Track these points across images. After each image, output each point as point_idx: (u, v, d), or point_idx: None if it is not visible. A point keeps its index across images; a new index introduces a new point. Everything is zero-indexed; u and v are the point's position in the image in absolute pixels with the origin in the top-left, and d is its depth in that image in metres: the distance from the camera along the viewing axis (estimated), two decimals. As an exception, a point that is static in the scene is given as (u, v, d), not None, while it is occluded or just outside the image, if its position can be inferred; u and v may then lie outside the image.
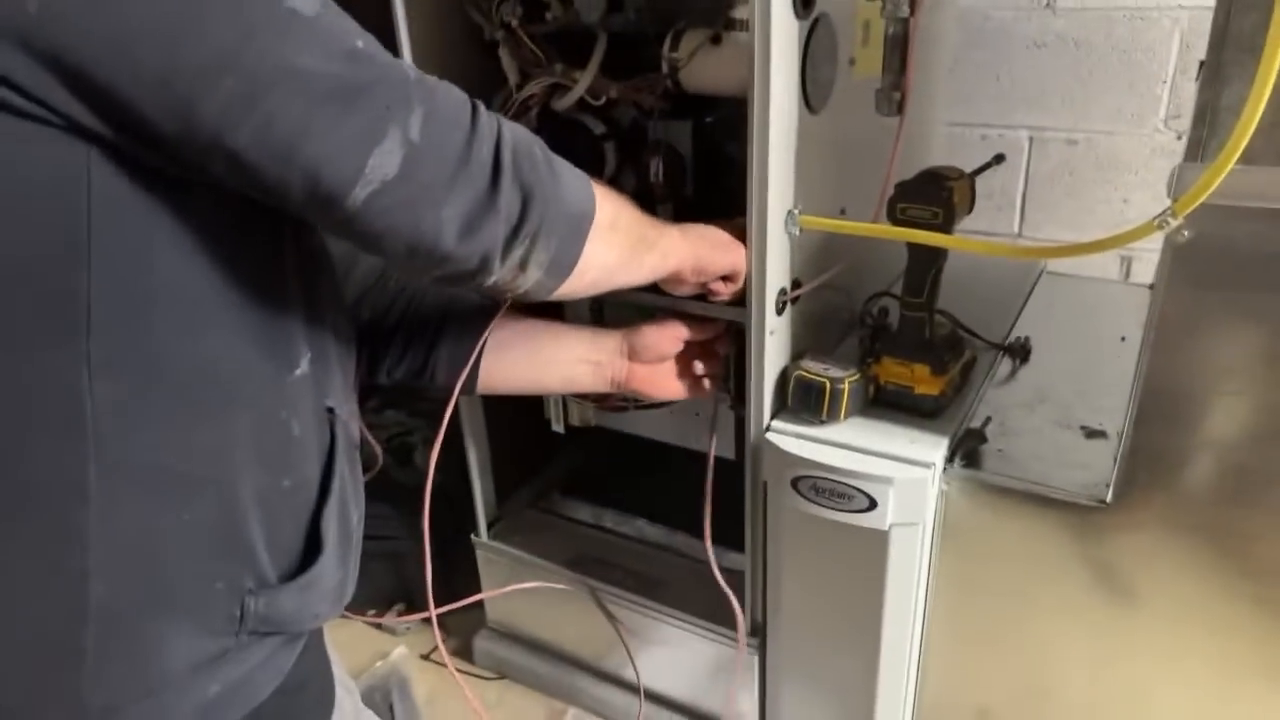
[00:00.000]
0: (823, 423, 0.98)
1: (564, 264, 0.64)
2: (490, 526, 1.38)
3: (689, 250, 0.83)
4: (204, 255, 0.53)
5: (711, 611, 1.20)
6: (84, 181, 0.48)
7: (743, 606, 1.15)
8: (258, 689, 0.62)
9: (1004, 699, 1.09)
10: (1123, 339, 1.19)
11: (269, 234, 0.58)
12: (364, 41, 0.53)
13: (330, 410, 0.67)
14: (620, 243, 0.71)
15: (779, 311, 0.94)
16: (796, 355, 1.02)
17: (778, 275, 0.92)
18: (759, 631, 1.16)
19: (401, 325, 0.89)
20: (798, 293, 0.97)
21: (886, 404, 1.00)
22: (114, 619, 0.54)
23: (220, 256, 0.54)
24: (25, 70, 0.44)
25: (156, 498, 0.55)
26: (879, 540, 0.96)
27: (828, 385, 0.95)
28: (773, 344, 0.95)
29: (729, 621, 1.17)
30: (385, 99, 0.52)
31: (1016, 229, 1.68)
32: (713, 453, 1.11)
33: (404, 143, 0.52)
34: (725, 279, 0.91)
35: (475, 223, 0.56)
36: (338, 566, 0.67)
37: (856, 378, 0.96)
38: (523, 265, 0.61)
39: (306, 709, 0.69)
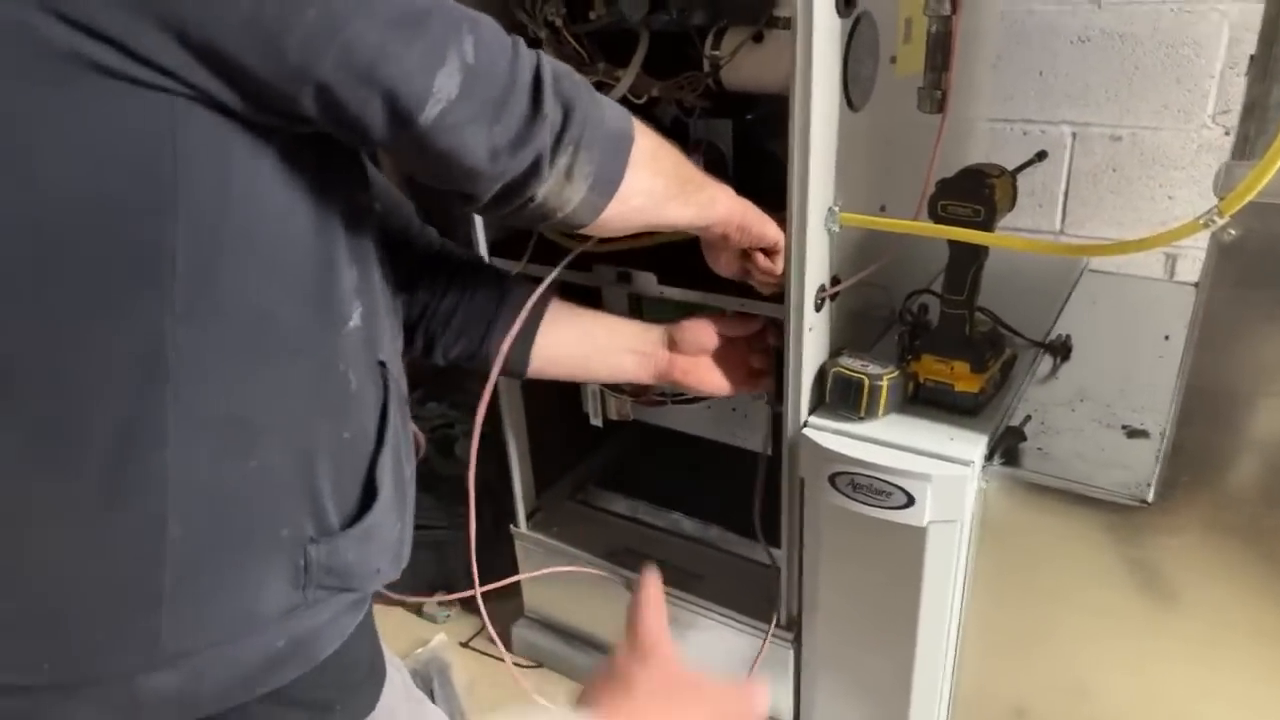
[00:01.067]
0: (861, 419, 0.98)
1: (608, 179, 0.68)
2: (529, 517, 1.40)
3: (736, 204, 0.85)
4: (271, 208, 0.57)
5: (747, 604, 1.21)
6: (170, 136, 0.51)
7: (779, 600, 1.16)
8: (319, 648, 0.64)
9: (1041, 698, 1.09)
10: (1166, 338, 1.18)
11: (326, 190, 0.60)
12: None
13: (382, 364, 0.69)
14: (665, 172, 0.74)
15: (817, 308, 0.95)
16: (835, 352, 1.02)
17: (817, 272, 0.93)
18: (794, 625, 1.17)
19: (458, 307, 0.92)
20: (836, 289, 0.97)
21: (925, 401, 1.00)
22: (190, 562, 0.56)
23: (284, 210, 0.58)
24: (133, 31, 0.47)
25: (227, 443, 0.57)
26: (916, 537, 0.96)
27: (866, 382, 0.95)
28: (811, 340, 0.96)
29: (764, 615, 1.18)
30: (443, 25, 0.57)
31: (1059, 226, 1.66)
32: (766, 449, 1.12)
33: (462, 66, 0.57)
34: (766, 253, 0.91)
35: (525, 132, 0.61)
36: (394, 517, 0.69)
37: (895, 375, 0.97)
38: (569, 174, 0.65)
39: (360, 679, 0.71)
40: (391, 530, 0.69)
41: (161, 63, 0.49)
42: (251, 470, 0.59)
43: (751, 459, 1.19)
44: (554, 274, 0.96)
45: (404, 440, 0.72)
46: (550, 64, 0.63)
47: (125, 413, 0.53)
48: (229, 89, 0.52)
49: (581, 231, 0.72)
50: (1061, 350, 1.15)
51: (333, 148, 0.60)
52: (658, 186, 0.74)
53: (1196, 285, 1.27)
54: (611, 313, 1.17)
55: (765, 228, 0.88)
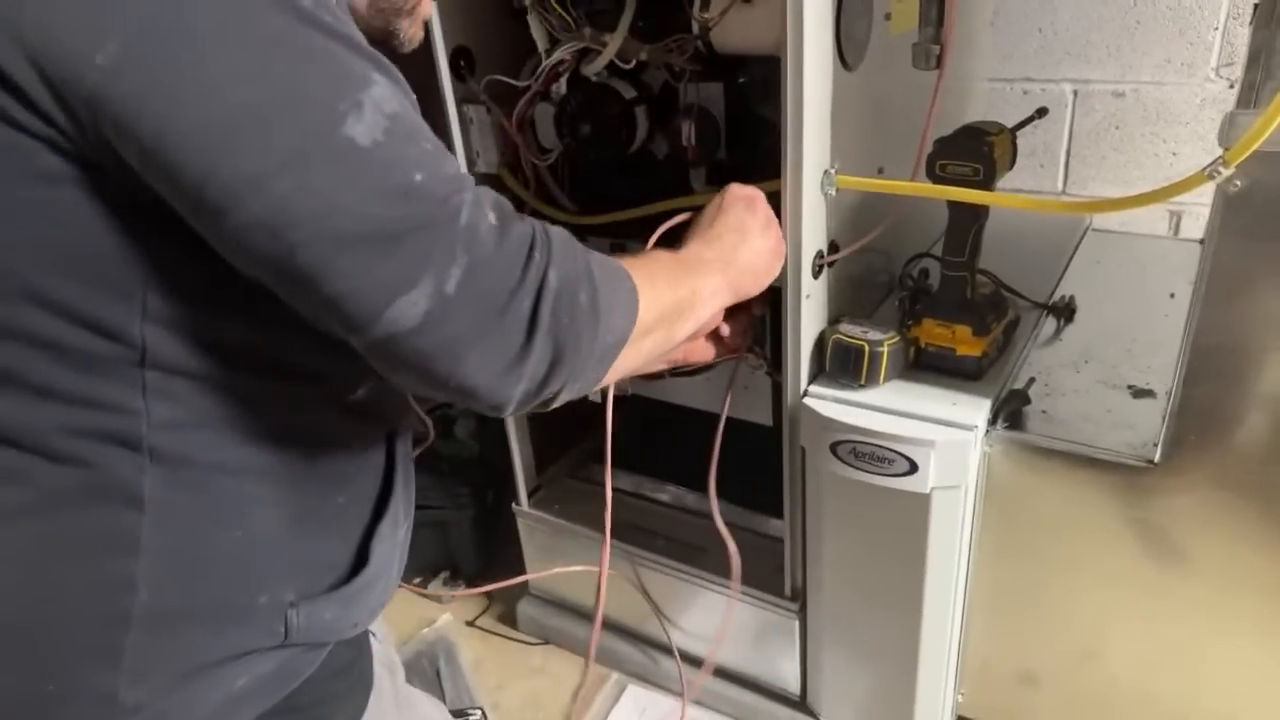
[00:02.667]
0: (861, 387, 0.97)
1: (588, 388, 0.60)
2: (531, 495, 1.39)
3: (727, 290, 0.77)
4: (263, 295, 0.53)
5: (752, 576, 1.20)
6: (142, 233, 0.49)
7: (784, 570, 1.15)
8: (286, 681, 0.63)
9: (1049, 663, 1.08)
10: (1172, 296, 1.16)
11: None
12: (424, 173, 0.49)
13: (390, 428, 0.67)
14: (655, 339, 0.66)
15: (815, 275, 0.93)
16: (834, 319, 1.00)
17: (813, 238, 0.91)
18: (799, 596, 1.16)
19: None
20: (834, 256, 0.95)
21: (927, 366, 0.99)
22: (155, 624, 0.54)
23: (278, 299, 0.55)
24: (72, 127, 0.45)
25: (210, 513, 0.55)
26: (920, 504, 0.95)
27: (866, 348, 0.94)
28: (809, 308, 0.94)
29: (769, 586, 1.18)
30: (427, 246, 0.48)
31: (1061, 186, 1.64)
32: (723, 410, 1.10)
33: (434, 294, 0.48)
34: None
35: (496, 377, 0.52)
36: (383, 581, 0.67)
37: (896, 340, 0.95)
38: (544, 405, 0.58)
39: (343, 691, 0.69)
40: (377, 591, 0.66)
41: (117, 177, 0.46)
42: (236, 540, 0.56)
43: (752, 430, 1.17)
44: None
45: (404, 503, 0.69)
46: (556, 285, 0.53)
47: (95, 475, 0.52)
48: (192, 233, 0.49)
49: None
50: (1065, 311, 1.13)
51: None
52: (644, 355, 0.65)
53: (1202, 241, 1.25)
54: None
55: (759, 287, 0.83)
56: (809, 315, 0.95)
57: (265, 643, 0.60)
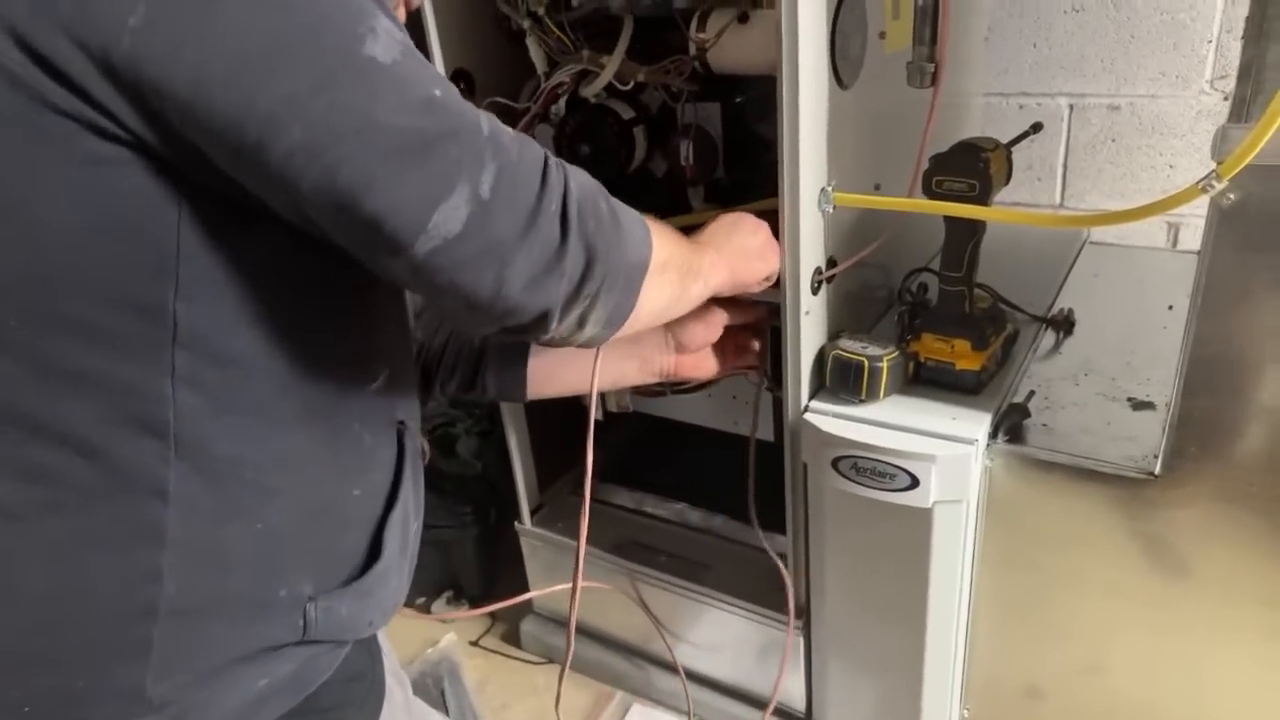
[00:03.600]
0: (862, 402, 0.97)
1: (620, 316, 0.63)
2: (533, 514, 1.39)
3: (726, 268, 0.81)
4: (294, 282, 0.55)
5: (755, 593, 1.20)
6: (176, 210, 0.49)
7: (787, 587, 1.15)
8: (305, 683, 0.64)
9: (1054, 676, 1.08)
10: (1170, 308, 1.17)
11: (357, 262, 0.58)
12: (441, 90, 0.52)
13: (401, 423, 0.68)
14: (671, 281, 0.70)
15: (814, 291, 0.94)
16: (834, 334, 1.01)
17: (811, 254, 0.91)
18: (803, 612, 1.16)
19: (449, 341, 0.92)
20: (833, 271, 0.96)
21: (927, 381, 0.99)
22: (181, 618, 0.55)
23: (309, 283, 0.56)
24: (114, 99, 0.46)
25: (233, 505, 0.56)
26: (922, 519, 0.95)
27: (866, 364, 0.94)
28: (809, 324, 0.95)
29: (773, 603, 1.17)
30: (457, 153, 0.51)
31: (1058, 199, 1.64)
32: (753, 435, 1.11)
33: (471, 199, 0.51)
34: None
35: (538, 281, 0.55)
36: (396, 574, 0.68)
37: (895, 355, 0.95)
38: (581, 323, 0.60)
39: (358, 697, 0.70)
40: (391, 587, 0.67)
41: (138, 135, 0.47)
42: (257, 532, 0.57)
43: (755, 447, 1.18)
44: None
45: (414, 495, 0.70)
46: (578, 194, 0.57)
47: (128, 465, 0.52)
48: (227, 184, 0.50)
49: None
50: (1064, 324, 1.13)
51: None
52: (663, 300, 0.69)
53: (1199, 253, 1.26)
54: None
55: (759, 271, 0.87)
56: (808, 331, 0.95)
57: (285, 638, 0.60)
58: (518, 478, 1.35)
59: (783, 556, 1.15)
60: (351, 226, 0.50)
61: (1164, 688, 1.01)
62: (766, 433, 1.19)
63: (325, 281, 0.57)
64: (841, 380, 0.96)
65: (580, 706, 1.35)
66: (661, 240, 0.67)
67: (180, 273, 0.50)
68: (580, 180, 0.58)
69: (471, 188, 0.51)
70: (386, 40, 0.49)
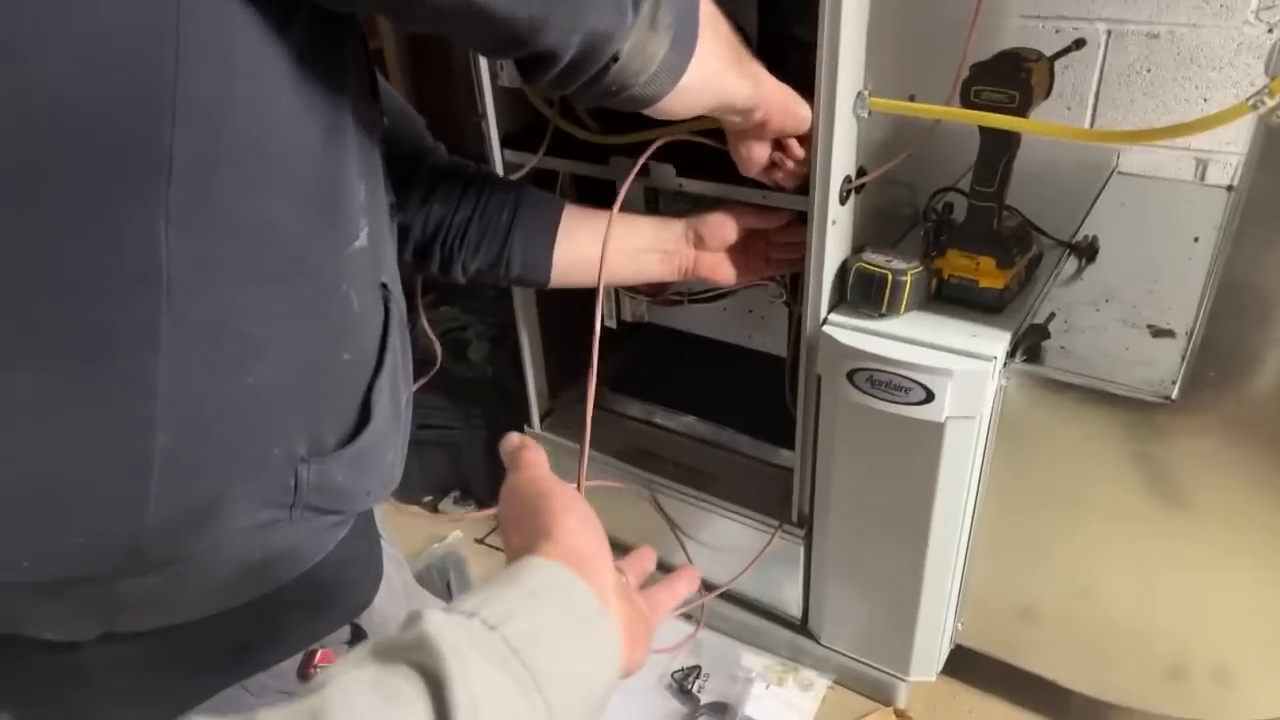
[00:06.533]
0: (881, 316, 0.97)
1: (689, 32, 0.62)
2: (543, 420, 1.40)
3: (780, 89, 0.81)
4: (278, 112, 0.53)
5: (760, 503, 1.22)
6: (173, 28, 0.47)
7: (791, 498, 1.17)
8: (301, 560, 0.64)
9: (1048, 600, 1.10)
10: (1196, 240, 1.16)
11: (337, 99, 0.57)
12: None
13: (384, 285, 0.67)
14: (724, 34, 0.69)
15: (842, 200, 0.93)
16: (857, 248, 1.00)
17: (843, 161, 0.90)
18: (806, 523, 1.18)
19: (473, 219, 0.89)
20: (862, 181, 0.95)
21: (948, 299, 0.99)
22: (177, 473, 0.55)
23: (292, 116, 0.54)
24: None
25: (222, 356, 0.55)
26: (934, 434, 0.96)
27: (889, 277, 0.94)
28: (834, 234, 0.94)
29: (777, 513, 1.19)
30: None
31: (1089, 128, 1.61)
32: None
33: None
34: (800, 140, 0.88)
35: None
36: (389, 441, 0.67)
37: (919, 270, 0.95)
38: (653, 20, 0.58)
39: (355, 577, 0.70)
40: (385, 454, 0.67)
41: None
42: (247, 386, 0.56)
43: (766, 361, 1.18)
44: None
45: (402, 363, 0.69)
46: None
47: (113, 316, 0.51)
48: None
49: (648, 112, 0.67)
50: (1088, 251, 1.12)
51: (344, 53, 0.56)
52: (722, 50, 0.69)
53: (1229, 188, 1.24)
54: (630, 209, 1.15)
55: (801, 109, 0.85)
56: (834, 241, 0.94)
57: (279, 499, 0.60)
58: (529, 382, 1.36)
59: (789, 470, 1.17)
60: None
61: (1157, 616, 1.04)
62: (779, 347, 1.19)
63: (304, 121, 0.55)
64: (863, 293, 0.96)
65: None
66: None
67: (177, 105, 0.48)
68: None
69: None
70: None
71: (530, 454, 0.59)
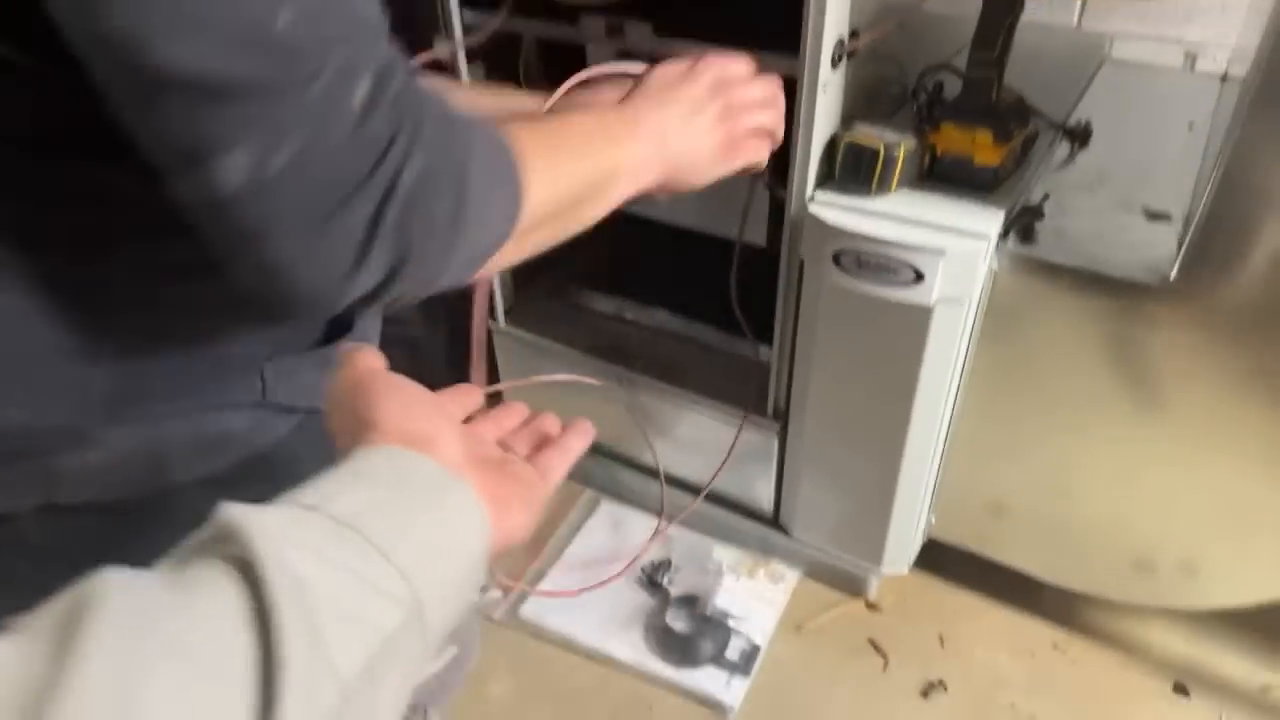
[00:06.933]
0: (871, 194, 0.92)
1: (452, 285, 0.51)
2: (507, 314, 1.34)
3: (659, 167, 0.64)
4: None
5: (732, 396, 1.18)
6: None
7: (767, 390, 1.13)
8: (252, 443, 0.60)
9: (1023, 493, 1.09)
10: (1190, 126, 1.11)
11: None
12: (292, 16, 0.37)
13: None
14: (543, 235, 0.57)
15: (834, 64, 0.86)
16: (846, 122, 0.94)
17: (837, 20, 0.83)
18: (781, 416, 1.15)
19: None
20: (856, 44, 0.88)
21: (940, 177, 0.94)
22: (124, 361, 0.51)
23: None
24: None
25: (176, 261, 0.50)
26: (921, 318, 0.92)
27: (881, 150, 0.88)
28: (824, 102, 0.88)
29: (749, 405, 1.16)
30: (255, 112, 0.38)
31: (1075, 21, 1.55)
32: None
33: (252, 169, 0.38)
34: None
35: (318, 283, 0.43)
36: (366, 339, 0.64)
37: (913, 144, 0.89)
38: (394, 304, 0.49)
39: (319, 456, 0.67)
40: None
41: None
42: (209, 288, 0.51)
43: (744, 252, 1.12)
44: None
45: None
46: (410, 186, 0.42)
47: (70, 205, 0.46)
48: None
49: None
50: (1081, 135, 1.08)
51: None
52: (541, 238, 0.56)
53: (1222, 78, 1.20)
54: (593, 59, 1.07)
55: (728, 166, 0.69)
56: (823, 111, 0.88)
57: (244, 399, 0.56)
58: (494, 278, 1.29)
59: (764, 365, 1.13)
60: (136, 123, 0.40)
61: (1128, 511, 1.03)
62: (758, 236, 1.14)
63: None
64: (853, 169, 0.91)
65: (550, 500, 1.35)
66: (550, 183, 0.53)
67: None
68: (427, 170, 0.43)
69: (256, 158, 0.38)
70: None
71: (360, 355, 0.50)
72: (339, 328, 0.61)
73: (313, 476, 0.54)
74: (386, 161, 0.42)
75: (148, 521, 0.60)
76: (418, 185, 0.43)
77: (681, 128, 0.65)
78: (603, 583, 1.20)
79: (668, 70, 0.67)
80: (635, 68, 0.70)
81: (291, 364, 0.58)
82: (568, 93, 0.74)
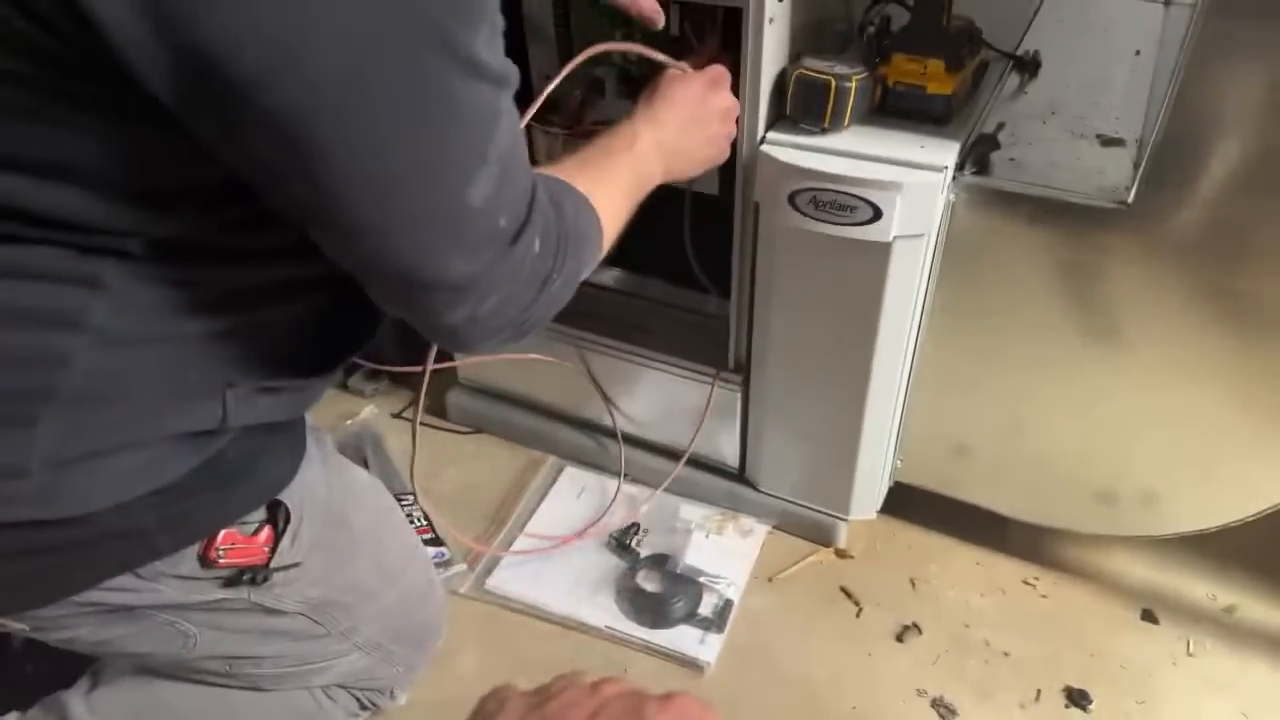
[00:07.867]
0: (824, 131, 0.89)
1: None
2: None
3: (662, 175, 0.79)
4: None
5: (692, 351, 1.16)
6: None
7: (727, 345, 1.11)
8: (213, 440, 0.60)
9: (984, 436, 1.09)
10: (1137, 53, 1.10)
11: None
12: (506, 219, 0.51)
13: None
14: (608, 241, 0.69)
15: (780, -5, 0.83)
16: (794, 57, 0.91)
17: (782, -54, 0.80)
18: (743, 369, 1.12)
19: None
20: (801, -29, 0.85)
21: (892, 112, 0.91)
22: (80, 403, 0.52)
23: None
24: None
25: (166, 310, 0.53)
26: (880, 256, 0.90)
27: (833, 83, 0.85)
28: (772, 34, 0.84)
29: (710, 360, 1.14)
30: (483, 291, 0.52)
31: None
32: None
33: (468, 318, 0.53)
34: None
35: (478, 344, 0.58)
36: (326, 383, 0.68)
37: (864, 76, 0.87)
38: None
39: (276, 447, 0.67)
40: (318, 390, 0.67)
41: None
42: (185, 336, 0.55)
43: (696, 204, 1.09)
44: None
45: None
46: (558, 288, 0.58)
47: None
48: None
49: None
50: (1030, 65, 1.06)
51: None
52: (600, 258, 0.67)
53: (1166, 3, 1.19)
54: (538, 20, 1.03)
55: (708, 153, 0.83)
56: (771, 44, 0.85)
57: (202, 426, 0.57)
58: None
59: (723, 319, 1.11)
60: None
61: (1089, 444, 1.03)
62: (709, 185, 1.10)
63: None
64: (805, 105, 0.88)
65: (513, 470, 1.31)
66: (613, 216, 0.68)
67: None
68: (564, 271, 0.57)
69: (472, 310, 0.52)
70: (490, 171, 0.48)
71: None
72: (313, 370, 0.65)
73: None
74: (549, 285, 0.56)
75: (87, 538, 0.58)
76: (561, 289, 0.59)
77: (684, 135, 0.79)
78: (570, 538, 1.17)
79: (668, 84, 0.79)
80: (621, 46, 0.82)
81: (252, 395, 0.59)
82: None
